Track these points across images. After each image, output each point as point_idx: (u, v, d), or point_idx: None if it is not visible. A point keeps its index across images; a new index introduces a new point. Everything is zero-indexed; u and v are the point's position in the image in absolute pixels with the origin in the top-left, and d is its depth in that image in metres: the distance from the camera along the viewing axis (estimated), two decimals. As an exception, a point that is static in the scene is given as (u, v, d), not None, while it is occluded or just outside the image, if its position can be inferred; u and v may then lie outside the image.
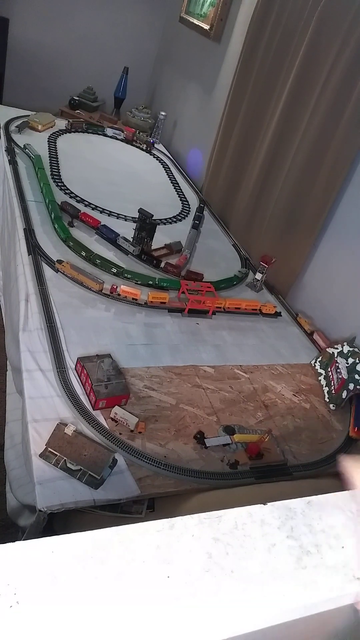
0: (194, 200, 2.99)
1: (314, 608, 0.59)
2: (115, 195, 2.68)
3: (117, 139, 3.41)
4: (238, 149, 2.71)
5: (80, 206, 2.36)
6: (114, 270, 1.98)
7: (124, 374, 1.49)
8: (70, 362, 1.49)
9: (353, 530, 0.67)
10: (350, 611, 0.62)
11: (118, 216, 2.46)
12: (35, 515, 1.11)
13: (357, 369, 1.73)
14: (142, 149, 3.41)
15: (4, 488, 1.48)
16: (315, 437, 1.57)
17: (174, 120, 3.72)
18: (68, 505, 1.13)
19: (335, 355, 1.82)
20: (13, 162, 2.53)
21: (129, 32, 4.00)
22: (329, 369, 1.80)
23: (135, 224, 2.23)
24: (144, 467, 1.27)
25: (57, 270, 1.86)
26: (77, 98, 3.82)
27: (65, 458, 1.19)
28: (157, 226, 2.24)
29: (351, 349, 1.80)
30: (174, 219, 2.67)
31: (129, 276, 1.98)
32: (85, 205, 2.44)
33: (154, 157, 3.43)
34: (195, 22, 3.35)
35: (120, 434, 1.33)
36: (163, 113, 3.50)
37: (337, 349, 1.84)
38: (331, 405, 1.71)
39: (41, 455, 1.20)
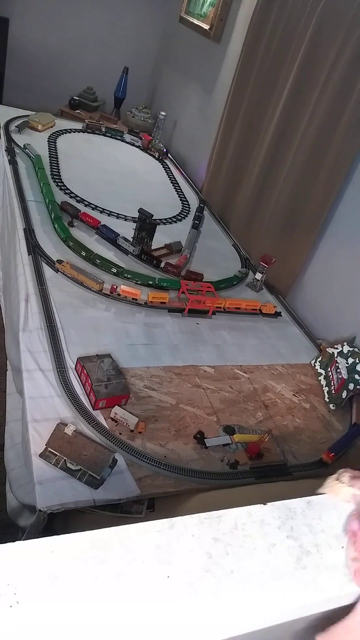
0: (193, 200, 2.99)
1: (314, 608, 0.59)
2: (115, 195, 2.68)
3: (134, 145, 3.44)
4: (238, 148, 2.71)
5: (80, 206, 2.36)
6: (114, 270, 1.98)
7: (124, 374, 1.49)
8: (70, 362, 1.49)
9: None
10: (350, 611, 0.62)
11: (118, 216, 2.46)
12: (35, 515, 1.11)
13: (357, 369, 1.73)
14: (154, 157, 3.41)
15: (4, 488, 1.48)
16: (315, 437, 1.57)
17: (174, 120, 3.71)
18: (68, 505, 1.13)
19: (335, 355, 1.82)
20: (13, 162, 2.53)
21: (129, 32, 4.00)
22: (329, 369, 1.81)
23: (135, 224, 2.23)
24: (144, 467, 1.27)
25: (57, 270, 1.86)
26: (77, 98, 3.82)
27: (65, 458, 1.19)
28: (157, 226, 2.24)
29: (351, 349, 1.80)
30: (174, 219, 2.67)
31: (129, 276, 1.99)
32: (85, 205, 2.44)
33: (154, 156, 3.43)
34: (195, 22, 3.35)
35: (120, 434, 1.33)
36: (163, 113, 3.50)
37: (337, 349, 1.84)
38: (331, 405, 1.71)
39: (41, 455, 1.20)
